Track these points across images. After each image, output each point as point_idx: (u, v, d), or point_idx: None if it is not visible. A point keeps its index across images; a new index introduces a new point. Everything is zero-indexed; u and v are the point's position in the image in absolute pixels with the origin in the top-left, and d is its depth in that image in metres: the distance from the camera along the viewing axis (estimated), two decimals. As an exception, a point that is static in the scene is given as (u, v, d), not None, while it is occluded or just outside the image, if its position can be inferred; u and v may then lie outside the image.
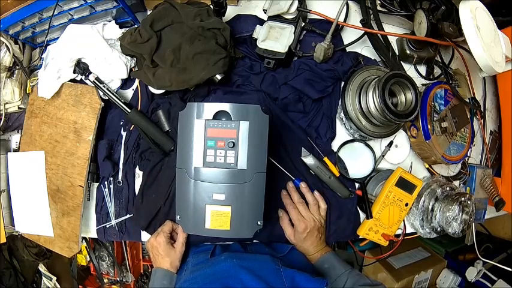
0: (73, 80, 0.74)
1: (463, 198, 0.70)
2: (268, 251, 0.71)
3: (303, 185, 0.73)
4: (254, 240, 0.76)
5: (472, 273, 1.15)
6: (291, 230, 0.72)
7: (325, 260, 0.69)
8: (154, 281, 0.67)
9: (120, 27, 0.76)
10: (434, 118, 0.77)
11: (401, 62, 0.81)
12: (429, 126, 0.75)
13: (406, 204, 0.73)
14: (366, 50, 0.80)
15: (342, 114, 0.75)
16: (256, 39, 0.73)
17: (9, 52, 0.77)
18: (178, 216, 0.61)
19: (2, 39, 0.76)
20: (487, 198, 0.90)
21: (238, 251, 0.70)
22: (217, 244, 0.74)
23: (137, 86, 0.77)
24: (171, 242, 0.70)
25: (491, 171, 0.91)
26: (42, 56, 0.76)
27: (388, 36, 0.78)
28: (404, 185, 0.72)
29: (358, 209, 0.78)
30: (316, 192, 0.74)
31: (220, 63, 0.67)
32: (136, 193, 0.76)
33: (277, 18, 0.74)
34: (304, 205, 0.72)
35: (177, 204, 0.61)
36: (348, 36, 0.80)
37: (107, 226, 0.76)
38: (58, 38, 0.73)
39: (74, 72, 0.72)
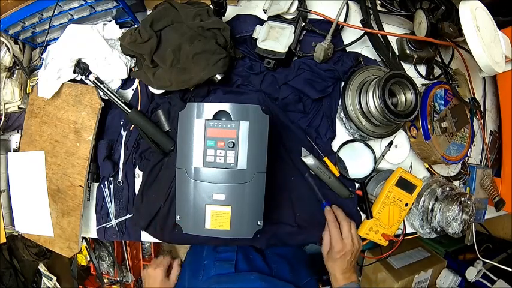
0: (73, 80, 0.74)
1: (463, 198, 0.70)
2: (291, 277, 0.73)
3: (334, 207, 0.73)
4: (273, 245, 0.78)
5: (472, 273, 1.14)
6: (329, 247, 0.70)
7: None
8: None
9: (120, 27, 0.76)
10: (434, 118, 0.77)
11: (401, 62, 0.81)
12: (429, 126, 0.75)
13: (406, 204, 0.73)
14: (366, 50, 0.80)
15: (342, 114, 0.75)
16: (256, 39, 0.73)
17: (9, 52, 0.77)
18: (178, 216, 0.61)
19: (2, 39, 0.76)
20: (487, 198, 0.90)
21: (263, 268, 0.73)
22: (239, 252, 0.77)
23: (137, 86, 0.77)
24: (167, 274, 0.76)
25: (491, 171, 0.91)
26: (42, 56, 0.76)
27: (388, 36, 0.78)
28: (405, 185, 0.72)
29: (358, 209, 0.78)
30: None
31: (220, 63, 0.67)
32: (136, 193, 0.76)
33: (277, 18, 0.74)
34: (348, 226, 0.69)
35: (177, 204, 0.61)
36: (348, 36, 0.80)
37: (107, 226, 0.76)
38: (58, 38, 0.73)
39: (74, 72, 0.72)
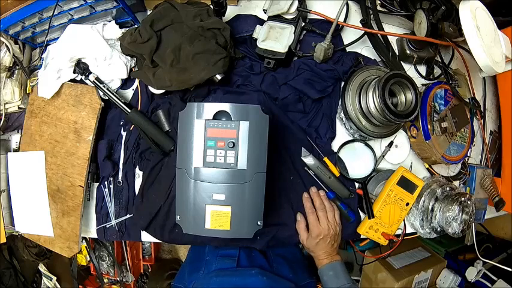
0: (73, 80, 0.74)
1: (463, 198, 0.70)
2: (292, 277, 0.74)
3: (321, 193, 0.74)
4: (274, 248, 0.79)
5: (472, 273, 1.14)
6: (306, 235, 0.72)
7: (332, 266, 0.70)
8: None
9: (120, 27, 0.76)
10: (434, 118, 0.77)
11: (401, 62, 0.81)
12: (429, 126, 0.75)
13: (407, 204, 0.73)
14: (366, 50, 0.80)
15: (342, 114, 0.75)
16: (256, 39, 0.73)
17: (9, 52, 0.77)
18: (178, 216, 0.61)
19: (2, 39, 0.76)
20: (487, 198, 0.90)
21: (264, 266, 0.73)
22: (241, 250, 0.77)
23: (137, 86, 0.77)
24: None
25: (491, 171, 0.91)
26: (42, 56, 0.76)
27: (388, 36, 0.78)
28: (406, 184, 0.72)
29: (358, 208, 0.78)
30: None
31: (220, 63, 0.67)
32: (136, 193, 0.76)
33: (277, 18, 0.74)
34: (324, 212, 0.72)
35: (177, 204, 0.61)
36: (348, 36, 0.80)
37: (107, 226, 0.76)
38: (58, 38, 0.73)
39: (74, 72, 0.73)
